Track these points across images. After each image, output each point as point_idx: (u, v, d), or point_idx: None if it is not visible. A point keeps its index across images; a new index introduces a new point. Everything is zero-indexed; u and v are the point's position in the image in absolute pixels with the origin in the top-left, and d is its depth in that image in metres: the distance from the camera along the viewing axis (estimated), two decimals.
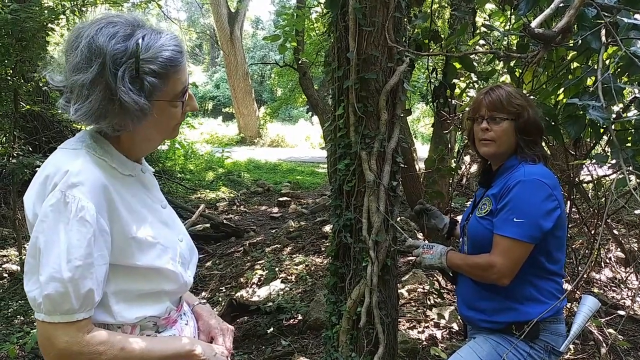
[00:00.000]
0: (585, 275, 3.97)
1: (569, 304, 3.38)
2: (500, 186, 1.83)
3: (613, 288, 4.38)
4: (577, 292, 3.72)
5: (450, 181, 5.04)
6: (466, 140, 3.75)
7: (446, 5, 5.48)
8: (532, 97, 2.72)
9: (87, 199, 1.05)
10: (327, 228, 6.47)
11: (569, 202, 3.09)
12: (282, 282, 4.99)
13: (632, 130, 2.21)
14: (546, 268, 1.79)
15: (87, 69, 1.07)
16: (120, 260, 1.14)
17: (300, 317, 4.08)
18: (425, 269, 2.07)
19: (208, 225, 7.28)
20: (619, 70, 2.24)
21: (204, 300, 1.54)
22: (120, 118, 1.11)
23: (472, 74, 3.49)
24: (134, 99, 1.09)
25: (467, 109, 3.68)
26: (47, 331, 1.05)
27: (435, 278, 4.55)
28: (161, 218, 1.28)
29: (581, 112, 2.07)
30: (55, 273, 1.02)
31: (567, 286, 3.44)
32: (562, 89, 2.67)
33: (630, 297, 4.17)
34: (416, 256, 2.09)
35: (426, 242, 2.13)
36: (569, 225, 3.37)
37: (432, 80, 3.33)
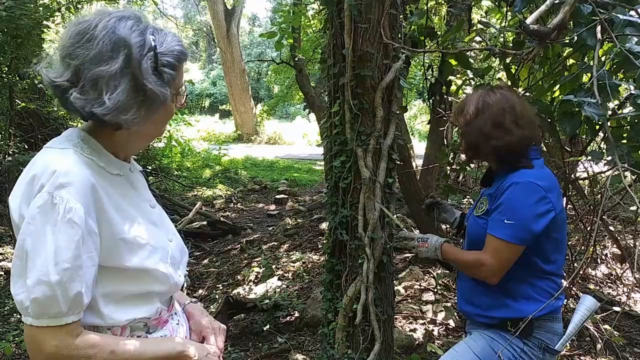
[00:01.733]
0: (581, 272, 3.98)
1: (566, 300, 3.39)
2: (496, 186, 1.84)
3: (609, 284, 4.39)
4: (573, 288, 3.73)
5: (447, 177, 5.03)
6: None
7: (442, 2, 5.47)
8: (527, 93, 2.72)
9: (75, 200, 1.03)
10: (324, 225, 6.47)
11: (564, 198, 3.10)
12: (278, 279, 4.98)
13: (628, 126, 2.21)
14: (542, 269, 1.80)
15: (112, 60, 1.06)
16: (109, 261, 1.12)
17: (296, 315, 4.09)
18: (422, 261, 2.12)
19: (205, 222, 7.25)
20: (614, 66, 2.24)
21: (195, 299, 1.52)
22: (144, 109, 1.12)
23: (468, 71, 3.49)
24: (160, 90, 1.11)
25: None
26: (35, 335, 1.03)
27: (432, 275, 4.56)
28: (150, 218, 1.26)
29: (577, 109, 2.07)
30: (42, 276, 1.00)
31: (563, 282, 3.44)
32: (557, 86, 2.68)
33: (626, 294, 4.18)
34: (412, 248, 2.10)
35: (419, 234, 2.13)
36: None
37: (428, 77, 3.32)
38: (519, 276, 1.80)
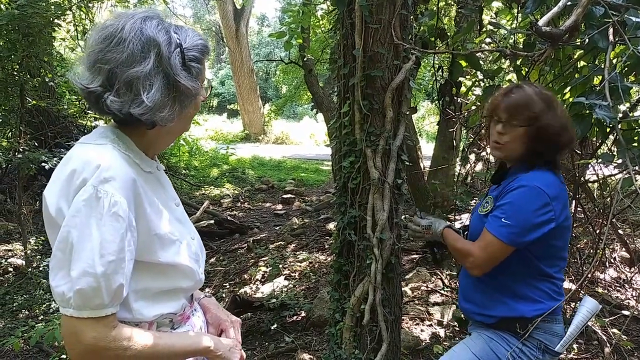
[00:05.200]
0: (589, 275, 3.96)
1: (573, 303, 3.37)
2: (503, 186, 1.84)
3: (617, 288, 4.36)
4: (582, 291, 3.71)
5: (455, 180, 5.04)
6: (471, 139, 3.74)
7: (452, 2, 5.46)
8: None
9: (119, 194, 1.05)
10: (331, 225, 6.47)
11: (574, 201, 3.08)
12: (285, 278, 4.99)
13: (639, 129, 2.20)
14: (542, 271, 1.80)
15: (145, 60, 1.09)
16: (144, 256, 1.14)
17: (303, 314, 4.09)
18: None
19: (212, 221, 7.29)
20: (626, 69, 2.23)
21: (209, 294, 1.55)
22: (178, 105, 1.15)
23: (478, 72, 3.48)
24: (191, 84, 1.15)
25: (473, 107, 3.68)
26: (75, 326, 1.05)
27: (439, 276, 4.55)
28: (176, 215, 1.29)
29: (587, 111, 2.07)
30: (88, 268, 1.01)
31: (571, 286, 3.43)
32: (568, 88, 2.67)
33: (635, 297, 4.15)
34: (417, 233, 2.08)
35: (423, 221, 2.09)
36: (574, 225, 3.36)
37: (438, 78, 3.32)
38: (519, 276, 1.80)
